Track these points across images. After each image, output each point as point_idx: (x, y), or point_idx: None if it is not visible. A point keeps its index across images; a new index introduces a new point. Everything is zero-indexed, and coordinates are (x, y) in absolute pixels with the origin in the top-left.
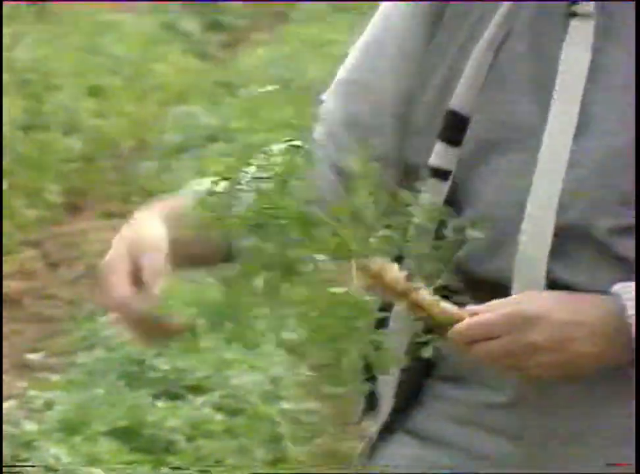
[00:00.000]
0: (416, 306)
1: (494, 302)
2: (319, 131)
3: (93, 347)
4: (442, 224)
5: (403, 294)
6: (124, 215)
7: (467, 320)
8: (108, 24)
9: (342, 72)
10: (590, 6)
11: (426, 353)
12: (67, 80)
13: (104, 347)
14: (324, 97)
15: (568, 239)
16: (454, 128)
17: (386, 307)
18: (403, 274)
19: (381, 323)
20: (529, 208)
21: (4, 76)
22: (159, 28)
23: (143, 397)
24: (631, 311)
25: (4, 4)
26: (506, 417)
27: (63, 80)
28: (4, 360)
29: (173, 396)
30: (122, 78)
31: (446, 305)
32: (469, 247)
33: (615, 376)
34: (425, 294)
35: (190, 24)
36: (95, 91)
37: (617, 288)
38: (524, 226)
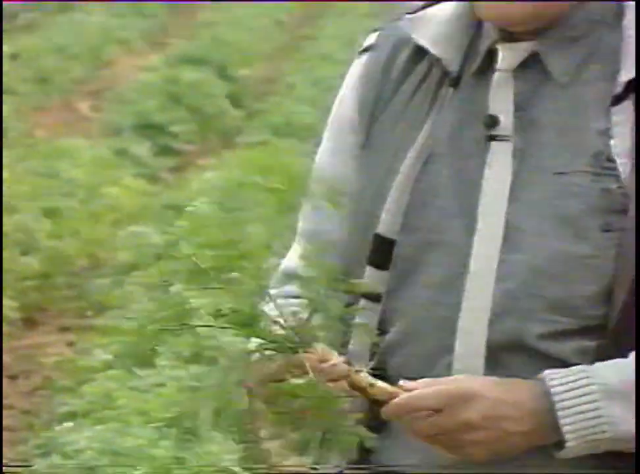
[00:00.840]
0: (355, 386)
1: (429, 379)
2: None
3: (50, 454)
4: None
5: (343, 377)
6: (79, 330)
7: (404, 395)
8: (64, 150)
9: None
10: (508, 130)
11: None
12: (25, 203)
13: (60, 454)
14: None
15: (501, 348)
16: (381, 252)
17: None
18: (342, 359)
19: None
20: (462, 323)
21: None
22: (111, 153)
23: None
24: (555, 388)
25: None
26: None
27: (21, 203)
28: None
29: None
30: (77, 201)
31: (383, 384)
32: (406, 358)
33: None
34: (363, 375)
35: (141, 149)
36: (51, 213)
37: (544, 374)
38: (458, 341)
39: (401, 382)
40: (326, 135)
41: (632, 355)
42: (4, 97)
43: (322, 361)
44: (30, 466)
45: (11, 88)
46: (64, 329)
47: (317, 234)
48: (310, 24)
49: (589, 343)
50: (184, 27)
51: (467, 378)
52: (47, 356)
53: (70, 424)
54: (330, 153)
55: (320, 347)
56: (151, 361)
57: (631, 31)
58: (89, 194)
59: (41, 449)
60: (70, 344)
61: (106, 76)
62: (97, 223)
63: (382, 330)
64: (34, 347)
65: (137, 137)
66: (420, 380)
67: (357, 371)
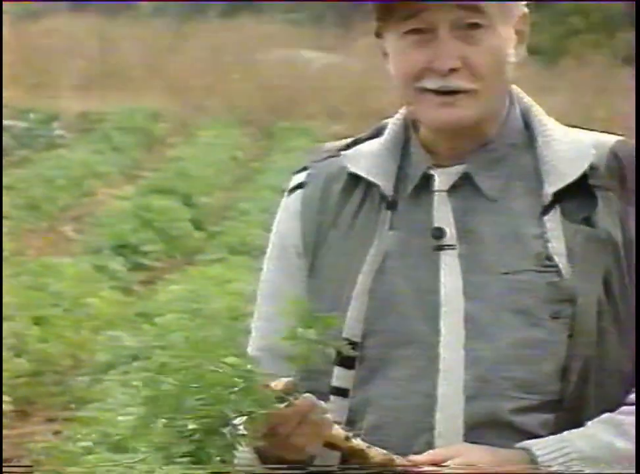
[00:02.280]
0: (356, 451)
1: (436, 451)
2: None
3: None
4: None
5: (343, 443)
6: (64, 420)
7: (427, 469)
8: (50, 267)
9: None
10: (453, 240)
11: None
12: (17, 312)
13: None
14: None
15: (477, 424)
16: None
17: None
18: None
19: None
20: (440, 407)
21: None
22: (92, 269)
23: None
24: (542, 457)
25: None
26: None
27: (13, 312)
28: None
29: None
30: (62, 310)
31: (357, 440)
32: (385, 438)
33: None
34: (362, 442)
35: (117, 265)
36: (40, 321)
37: (528, 444)
38: (437, 423)
39: (411, 458)
40: (269, 263)
41: (589, 424)
42: None
43: (311, 410)
44: (31, 466)
45: (5, 214)
46: (51, 420)
47: (272, 347)
48: (261, 159)
49: (549, 416)
50: (154, 161)
51: (466, 450)
52: (35, 443)
53: None
54: (277, 275)
55: (308, 397)
56: (126, 446)
57: (546, 152)
58: (72, 304)
59: None
60: (56, 433)
61: (87, 204)
62: (79, 329)
63: (351, 422)
64: (24, 436)
65: (114, 255)
66: (430, 454)
67: (356, 438)
